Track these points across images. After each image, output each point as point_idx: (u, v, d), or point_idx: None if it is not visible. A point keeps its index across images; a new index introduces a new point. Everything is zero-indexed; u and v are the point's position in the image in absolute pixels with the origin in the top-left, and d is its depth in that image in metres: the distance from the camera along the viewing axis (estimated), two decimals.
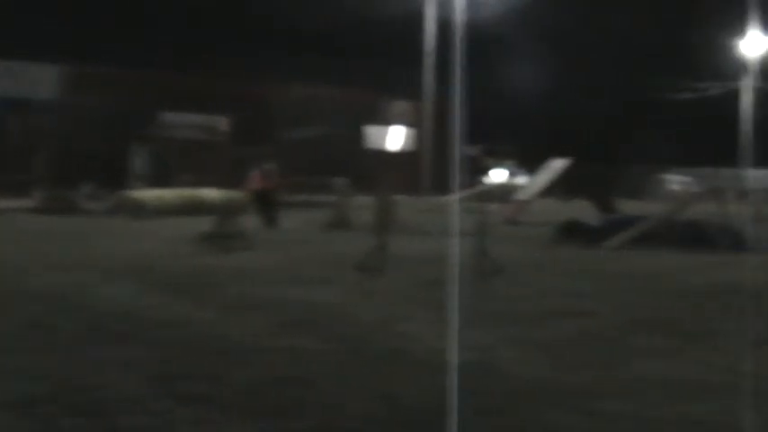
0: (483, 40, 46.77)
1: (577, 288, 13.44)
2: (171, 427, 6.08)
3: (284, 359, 8.11)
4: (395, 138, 56.31)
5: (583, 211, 27.00)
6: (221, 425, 6.15)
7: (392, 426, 6.26)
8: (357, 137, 51.64)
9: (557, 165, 31.45)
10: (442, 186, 46.42)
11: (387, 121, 55.70)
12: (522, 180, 49.52)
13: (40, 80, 41.20)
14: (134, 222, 24.08)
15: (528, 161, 54.56)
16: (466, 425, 6.10)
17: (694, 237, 20.24)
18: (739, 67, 63.41)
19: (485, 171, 56.14)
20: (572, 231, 21.23)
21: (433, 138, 51.63)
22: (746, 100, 62.31)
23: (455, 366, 7.56)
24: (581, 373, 7.86)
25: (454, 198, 32.76)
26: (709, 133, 66.26)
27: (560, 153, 33.68)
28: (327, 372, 7.68)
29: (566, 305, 11.67)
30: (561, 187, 36.79)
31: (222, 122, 45.56)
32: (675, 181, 57.05)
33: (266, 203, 24.76)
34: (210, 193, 28.35)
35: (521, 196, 31.86)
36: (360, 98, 53.38)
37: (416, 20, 52.09)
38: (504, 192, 42.51)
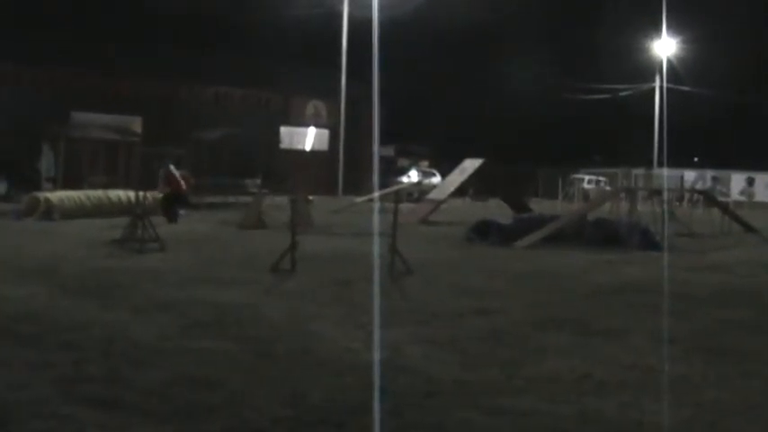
0: (398, 40, 47.09)
1: (487, 287, 13.57)
2: (78, 430, 6.02)
3: (192, 360, 8.08)
4: (309, 138, 56.28)
5: (495, 210, 27.23)
6: (125, 428, 6.10)
7: (300, 426, 6.26)
8: (271, 137, 51.50)
9: (470, 164, 31.69)
10: (355, 186, 46.60)
11: (302, 121, 55.64)
12: (435, 180, 49.87)
13: None
14: (44, 224, 23.70)
15: (441, 161, 54.98)
16: (381, 423, 6.15)
17: (604, 235, 20.58)
18: (652, 68, 64.56)
19: (399, 171, 56.35)
20: (484, 231, 21.41)
21: (346, 138, 51.77)
22: (658, 101, 63.61)
23: (369, 365, 7.63)
24: (487, 371, 7.95)
25: (367, 198, 32.98)
26: (625, 134, 67.41)
27: (473, 153, 33.96)
28: (235, 372, 7.66)
29: (475, 304, 11.77)
30: (473, 187, 37.09)
31: (135, 123, 45.09)
32: (588, 180, 57.88)
33: (174, 204, 25.94)
34: (122, 194, 28.02)
35: (434, 196, 32.03)
36: (273, 98, 53.27)
37: (332, 19, 52.18)
38: (417, 191, 42.82)
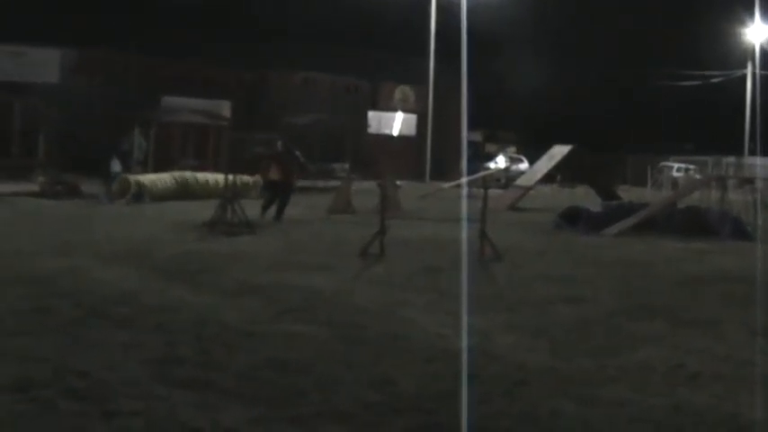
0: (491, 27, 46.91)
1: (576, 274, 13.44)
2: (170, 410, 6.09)
3: (282, 344, 8.12)
4: (397, 123, 56.30)
5: (584, 197, 26.98)
6: (217, 410, 6.15)
7: (390, 411, 6.25)
8: (359, 122, 51.64)
9: (558, 151, 31.42)
10: (443, 172, 46.51)
11: (389, 106, 55.67)
12: (523, 166, 49.57)
13: (42, 63, 41.12)
14: (135, 206, 24.05)
15: (529, 147, 54.65)
16: (470, 410, 6.13)
17: (694, 224, 20.26)
18: (744, 54, 63.35)
19: (487, 157, 56.14)
20: (573, 218, 21.23)
21: (434, 123, 51.68)
22: (751, 88, 62.39)
23: (458, 352, 7.60)
24: (579, 359, 7.87)
25: (455, 184, 32.90)
26: (713, 121, 66.27)
27: (562, 140, 33.69)
28: (325, 357, 7.68)
29: (564, 291, 11.67)
30: (562, 174, 36.82)
31: (224, 107, 45.49)
32: (678, 168, 57.04)
33: (279, 193, 21.77)
34: (210, 177, 28.33)
35: (522, 182, 31.83)
36: (361, 84, 53.37)
37: (421, 5, 52.14)
38: (505, 177, 42.60)
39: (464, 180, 30.90)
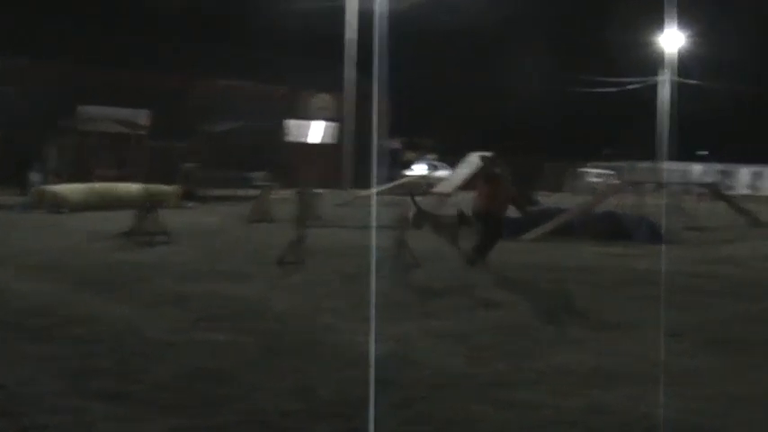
0: (407, 33, 47.06)
1: (495, 279, 13.59)
2: (86, 424, 6.05)
3: (202, 353, 8.11)
4: (316, 131, 56.26)
5: None
6: (136, 421, 6.13)
7: (309, 419, 6.29)
8: (278, 130, 51.49)
9: (475, 158, 31.65)
10: (363, 179, 46.53)
11: (308, 114, 55.60)
12: (443, 173, 49.82)
13: None
14: (51, 217, 23.75)
15: (449, 154, 54.92)
16: (383, 416, 6.18)
17: (611, 229, 20.58)
18: (658, 61, 64.42)
19: (406, 164, 56.30)
20: None
21: (354, 131, 51.69)
22: (664, 94, 63.51)
23: (373, 358, 7.64)
24: (496, 363, 7.98)
25: (374, 191, 32.95)
26: (628, 127, 67.30)
27: (481, 147, 33.95)
28: (245, 365, 7.69)
29: (483, 297, 11.80)
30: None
31: (142, 116, 45.05)
32: (595, 174, 57.79)
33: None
34: (129, 188, 28.07)
35: (441, 189, 32.01)
36: (280, 92, 53.23)
37: (338, 13, 52.11)
38: (424, 185, 42.78)
39: (373, 190, 30.94)
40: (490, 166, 16.16)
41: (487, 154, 30.97)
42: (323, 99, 55.98)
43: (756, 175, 61.31)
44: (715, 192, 31.45)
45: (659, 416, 6.41)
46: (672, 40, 64.16)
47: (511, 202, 16.30)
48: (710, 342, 9.15)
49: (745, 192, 54.18)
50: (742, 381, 7.62)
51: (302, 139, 55.02)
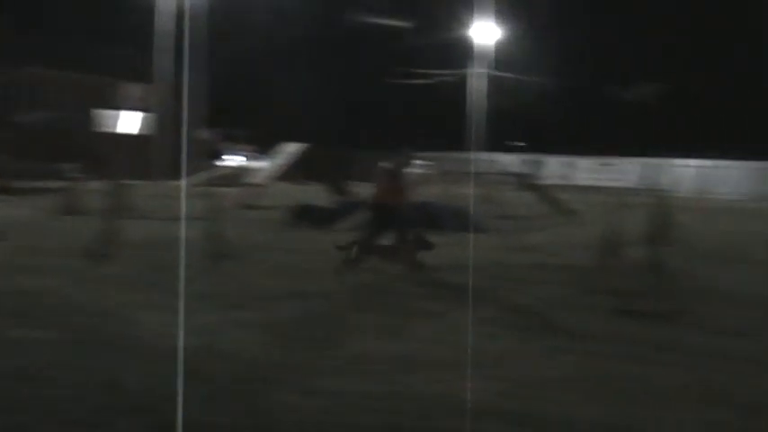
0: (222, 24, 46.67)
1: (305, 270, 13.66)
2: None
3: (6, 350, 7.91)
4: (127, 121, 55.22)
5: (317, 194, 27.34)
6: None
7: (115, 414, 6.22)
8: (88, 121, 50.29)
9: (291, 149, 31.69)
10: (176, 171, 45.91)
11: (119, 104, 54.51)
12: (258, 164, 49.63)
13: None
14: None
15: (265, 145, 54.74)
16: (190, 409, 6.15)
17: (423, 218, 20.88)
18: (470, 54, 65.62)
19: (221, 155, 55.88)
20: (305, 214, 21.50)
21: (169, 122, 50.93)
22: (475, 86, 64.81)
23: (182, 351, 7.58)
24: (306, 353, 8.04)
25: (187, 182, 32.57)
26: (439, 118, 68.48)
27: (297, 137, 34.01)
28: (51, 362, 7.53)
29: (293, 287, 11.84)
30: (296, 171, 37.10)
31: None
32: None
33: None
34: None
35: (256, 180, 31.90)
36: (90, 81, 52.00)
37: (150, 2, 51.24)
38: (239, 176, 42.54)
39: (183, 181, 30.59)
40: (394, 163, 15.24)
41: (300, 144, 31.12)
42: (136, 89, 54.94)
43: (566, 165, 63.13)
44: (525, 182, 32.31)
45: (466, 400, 6.57)
46: (485, 32, 65.47)
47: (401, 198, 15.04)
48: (516, 327, 9.42)
49: (556, 181, 55.73)
50: (546, 364, 7.89)
51: (114, 130, 53.88)
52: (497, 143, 63.39)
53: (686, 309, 10.69)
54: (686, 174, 58.50)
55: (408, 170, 15.57)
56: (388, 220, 14.06)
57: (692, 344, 8.94)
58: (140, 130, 55.12)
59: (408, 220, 14.44)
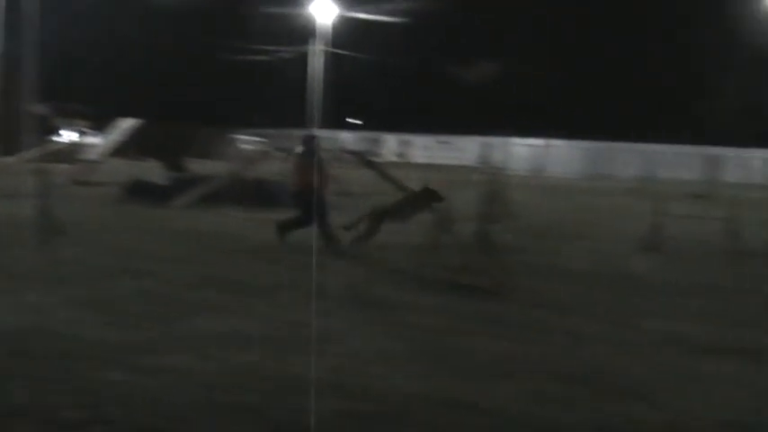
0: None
1: (140, 247, 13.55)
2: None
3: None
4: None
5: (153, 170, 27.02)
6: None
7: None
8: None
9: (126, 124, 31.25)
10: (8, 147, 44.62)
11: None
12: (93, 140, 48.66)
13: None
14: None
15: (101, 121, 53.66)
16: (20, 390, 6.09)
17: (261, 195, 20.90)
18: (309, 31, 65.51)
19: (56, 131, 54.53)
20: (139, 191, 21.26)
21: (1, 97, 49.33)
22: (315, 63, 64.80)
23: (12, 331, 7.49)
24: (138, 331, 8.00)
25: (19, 158, 31.80)
26: (278, 95, 68.24)
27: (133, 113, 33.52)
28: None
29: (126, 264, 11.74)
30: (132, 147, 36.57)
31: None
32: (246, 141, 58.18)
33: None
34: None
35: (90, 156, 31.34)
36: None
37: None
38: (73, 152, 41.65)
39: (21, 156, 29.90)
40: (308, 144, 15.29)
41: (136, 120, 30.68)
42: None
43: (404, 143, 63.78)
44: (363, 159, 32.48)
45: (306, 376, 6.66)
46: (324, 10, 65.48)
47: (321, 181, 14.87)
48: (350, 302, 9.57)
49: (394, 159, 56.23)
50: (379, 339, 8.04)
51: None
52: (336, 121, 63.63)
53: (515, 284, 11.03)
54: (522, 153, 59.95)
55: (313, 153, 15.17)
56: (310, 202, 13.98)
57: (520, 318, 9.24)
58: None
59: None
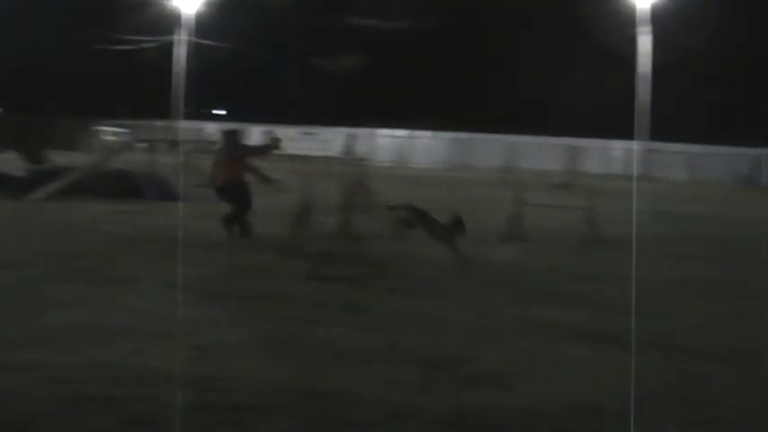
0: None
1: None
2: None
3: None
4: None
5: (11, 162, 26.38)
6: None
7: None
8: None
9: None
10: None
11: None
12: None
13: None
14: None
15: None
16: None
17: (124, 187, 20.63)
18: (173, 21, 64.80)
19: None
20: None
21: None
22: (179, 53, 64.13)
23: None
24: None
25: None
26: (142, 85, 67.35)
27: None
28: None
29: None
30: None
31: None
32: (110, 132, 57.24)
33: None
34: None
35: None
36: None
37: None
38: None
39: None
40: (230, 139, 15.67)
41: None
42: None
43: (268, 135, 63.58)
44: None
45: (167, 368, 6.63)
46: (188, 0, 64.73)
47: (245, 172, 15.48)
48: (212, 294, 9.53)
49: None
50: (239, 329, 8.04)
51: None
52: (200, 112, 63.08)
53: (377, 273, 11.14)
54: (387, 144, 60.39)
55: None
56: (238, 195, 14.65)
57: (381, 306, 9.33)
58: None
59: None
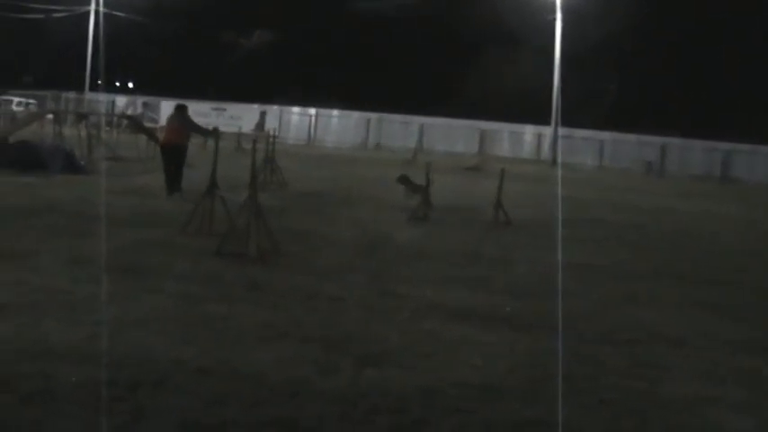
0: None
1: None
2: None
3: None
4: None
5: None
6: None
7: None
8: None
9: None
10: None
11: None
12: None
13: None
14: None
15: None
16: None
17: (27, 158, 20.30)
18: None
19: None
20: None
21: None
22: (90, 24, 63.19)
23: None
24: None
25: None
26: (54, 56, 66.28)
27: None
28: None
29: None
30: None
31: None
32: (16, 102, 56.24)
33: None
34: None
35: None
36: None
37: None
38: None
39: None
40: (179, 111, 18.60)
41: None
42: None
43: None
44: (136, 124, 31.99)
45: (60, 343, 6.57)
46: None
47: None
48: (109, 269, 9.42)
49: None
50: (138, 305, 7.99)
51: None
52: (110, 84, 62.26)
53: (281, 251, 11.16)
54: (296, 121, 60.33)
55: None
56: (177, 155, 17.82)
57: (283, 284, 9.34)
58: None
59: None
